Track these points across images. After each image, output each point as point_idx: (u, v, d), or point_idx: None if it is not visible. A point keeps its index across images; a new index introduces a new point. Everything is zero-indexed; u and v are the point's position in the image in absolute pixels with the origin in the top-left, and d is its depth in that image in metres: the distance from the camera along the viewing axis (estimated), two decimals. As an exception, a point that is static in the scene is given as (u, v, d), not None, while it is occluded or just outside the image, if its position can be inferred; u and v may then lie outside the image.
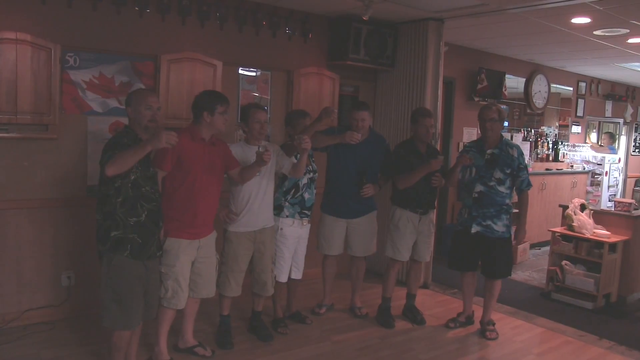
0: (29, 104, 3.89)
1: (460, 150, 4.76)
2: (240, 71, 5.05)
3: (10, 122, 3.86)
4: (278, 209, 4.14)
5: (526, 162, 4.40)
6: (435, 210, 4.80)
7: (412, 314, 4.71)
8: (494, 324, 4.53)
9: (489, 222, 4.27)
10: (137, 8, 4.34)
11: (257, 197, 3.86)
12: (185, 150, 3.41)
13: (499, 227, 4.26)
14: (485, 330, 4.46)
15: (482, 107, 4.36)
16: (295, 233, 4.21)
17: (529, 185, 4.30)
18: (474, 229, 4.31)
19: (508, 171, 4.22)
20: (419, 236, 4.58)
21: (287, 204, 4.15)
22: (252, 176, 3.71)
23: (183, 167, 3.42)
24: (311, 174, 4.22)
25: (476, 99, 7.09)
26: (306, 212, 4.24)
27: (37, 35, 3.91)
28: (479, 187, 4.28)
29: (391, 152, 4.58)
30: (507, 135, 6.96)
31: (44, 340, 3.91)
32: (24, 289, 4.15)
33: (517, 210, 4.44)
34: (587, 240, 5.42)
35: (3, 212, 4.02)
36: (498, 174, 4.23)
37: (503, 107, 7.43)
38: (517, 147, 4.32)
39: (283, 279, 4.23)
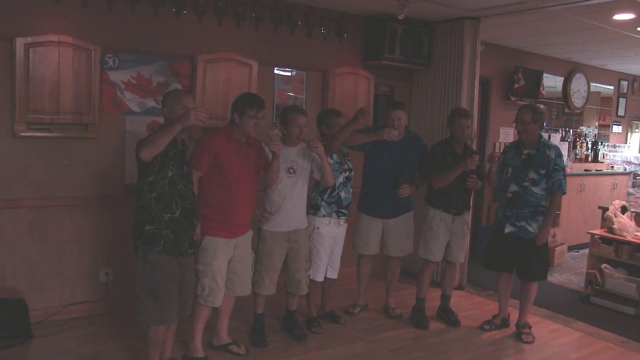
0: (70, 104, 3.99)
1: (499, 150, 4.67)
2: (276, 71, 5.08)
3: (53, 122, 3.96)
4: (315, 208, 4.15)
5: (564, 163, 4.30)
6: (470, 211, 4.75)
7: (446, 315, 4.67)
8: (530, 327, 4.45)
9: (523, 223, 4.20)
10: (174, 9, 4.40)
11: (292, 198, 3.88)
12: (222, 150, 3.45)
13: (533, 228, 4.19)
14: (521, 334, 4.38)
15: (518, 108, 4.30)
16: (331, 232, 4.21)
17: (560, 187, 4.13)
18: (508, 229, 4.25)
19: (543, 172, 4.14)
20: (452, 237, 4.54)
21: (323, 203, 4.15)
22: (275, 171, 3.69)
23: (220, 167, 3.45)
24: (347, 172, 4.22)
25: (513, 98, 6.98)
26: (343, 210, 4.23)
27: (79, 37, 4.00)
28: (513, 187, 4.23)
29: (428, 152, 4.55)
30: (544, 136, 6.83)
31: (83, 335, 4.01)
32: (65, 284, 4.26)
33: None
34: (629, 243, 5.27)
35: (45, 209, 4.13)
36: (532, 175, 4.16)
37: (541, 106, 7.34)
38: (556, 148, 4.22)
39: (319, 278, 4.24)
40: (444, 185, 4.33)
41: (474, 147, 5.46)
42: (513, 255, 4.33)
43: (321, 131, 4.29)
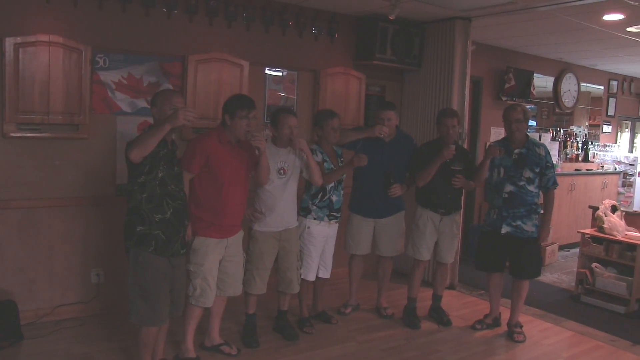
0: (60, 105, 3.97)
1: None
2: (267, 71, 5.07)
3: (43, 122, 3.94)
4: (305, 211, 4.15)
5: (555, 162, 4.36)
6: (461, 211, 4.75)
7: (438, 315, 4.68)
8: (521, 327, 4.47)
9: (519, 222, 4.23)
10: (165, 9, 4.39)
11: (282, 198, 3.88)
12: (214, 152, 3.44)
13: (528, 227, 4.23)
14: (513, 333, 4.41)
15: (507, 107, 4.32)
16: (322, 232, 4.21)
17: (555, 183, 4.27)
18: (504, 229, 4.27)
19: (537, 170, 4.20)
20: (440, 236, 4.54)
21: (314, 207, 4.14)
22: (264, 169, 3.67)
23: (211, 168, 3.45)
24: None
25: (504, 98, 7.00)
26: (335, 214, 4.23)
27: (69, 37, 3.99)
28: (508, 187, 4.24)
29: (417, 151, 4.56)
30: (535, 135, 6.87)
31: (74, 336, 3.99)
32: (56, 285, 4.24)
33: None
34: (619, 242, 5.31)
35: (36, 210, 4.11)
36: (528, 173, 4.19)
37: (531, 106, 7.40)
38: (544, 146, 4.31)
39: (311, 277, 4.24)
40: (426, 181, 4.33)
41: (465, 147, 5.47)
42: (505, 255, 4.36)
43: (316, 132, 4.28)
